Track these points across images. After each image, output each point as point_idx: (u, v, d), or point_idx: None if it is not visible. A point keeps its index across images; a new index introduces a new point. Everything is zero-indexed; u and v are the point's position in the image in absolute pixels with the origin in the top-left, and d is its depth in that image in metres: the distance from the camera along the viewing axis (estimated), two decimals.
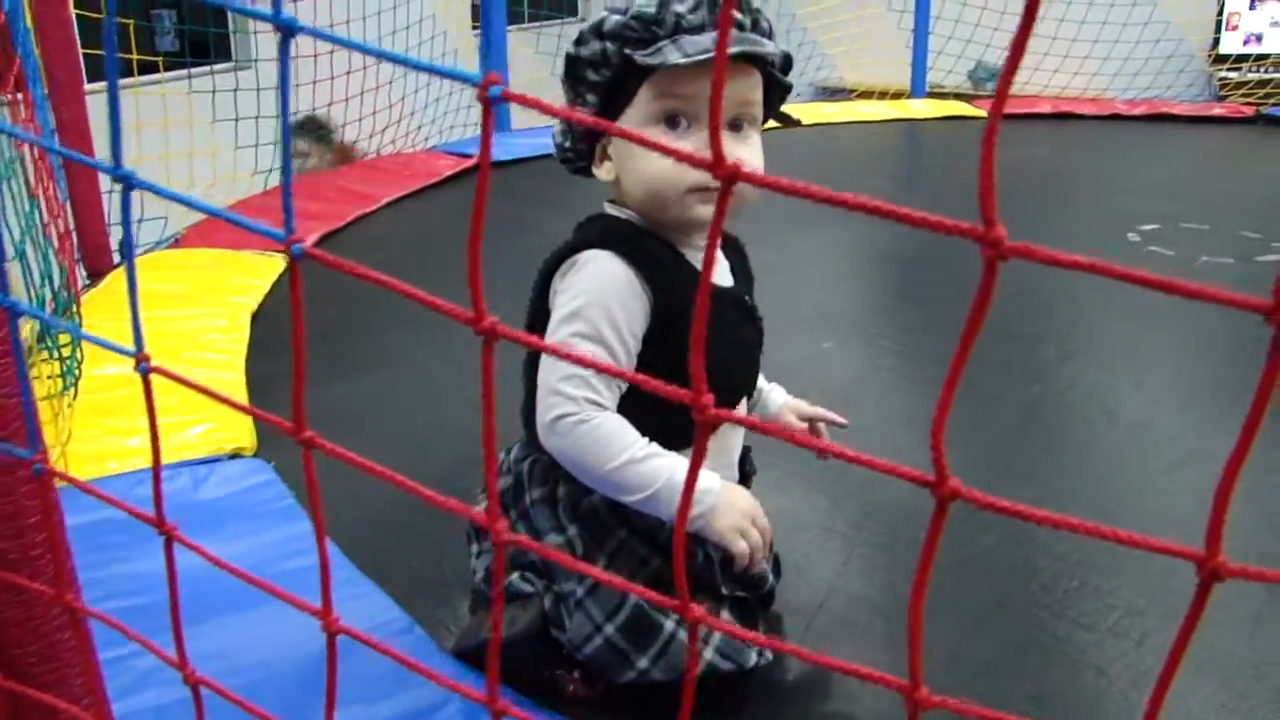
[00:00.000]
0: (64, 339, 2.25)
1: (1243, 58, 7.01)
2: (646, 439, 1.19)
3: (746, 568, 1.22)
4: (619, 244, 1.23)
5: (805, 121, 5.39)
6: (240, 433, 2.05)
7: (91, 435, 2.01)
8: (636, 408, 1.20)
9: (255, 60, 4.82)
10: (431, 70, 0.59)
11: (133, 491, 1.81)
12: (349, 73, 4.39)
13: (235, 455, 2.01)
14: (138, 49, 4.00)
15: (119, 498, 1.86)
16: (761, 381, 1.47)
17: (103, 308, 2.62)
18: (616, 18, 1.21)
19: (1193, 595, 0.52)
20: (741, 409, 1.35)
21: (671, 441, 1.21)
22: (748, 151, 1.23)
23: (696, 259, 1.27)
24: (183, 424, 2.06)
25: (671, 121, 1.21)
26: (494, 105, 0.57)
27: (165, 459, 1.92)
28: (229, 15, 5.39)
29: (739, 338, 1.33)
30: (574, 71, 1.24)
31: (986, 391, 2.27)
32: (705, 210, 1.21)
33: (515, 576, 1.30)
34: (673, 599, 1.22)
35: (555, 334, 1.20)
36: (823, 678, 1.42)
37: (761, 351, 1.41)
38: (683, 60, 1.15)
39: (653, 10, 1.19)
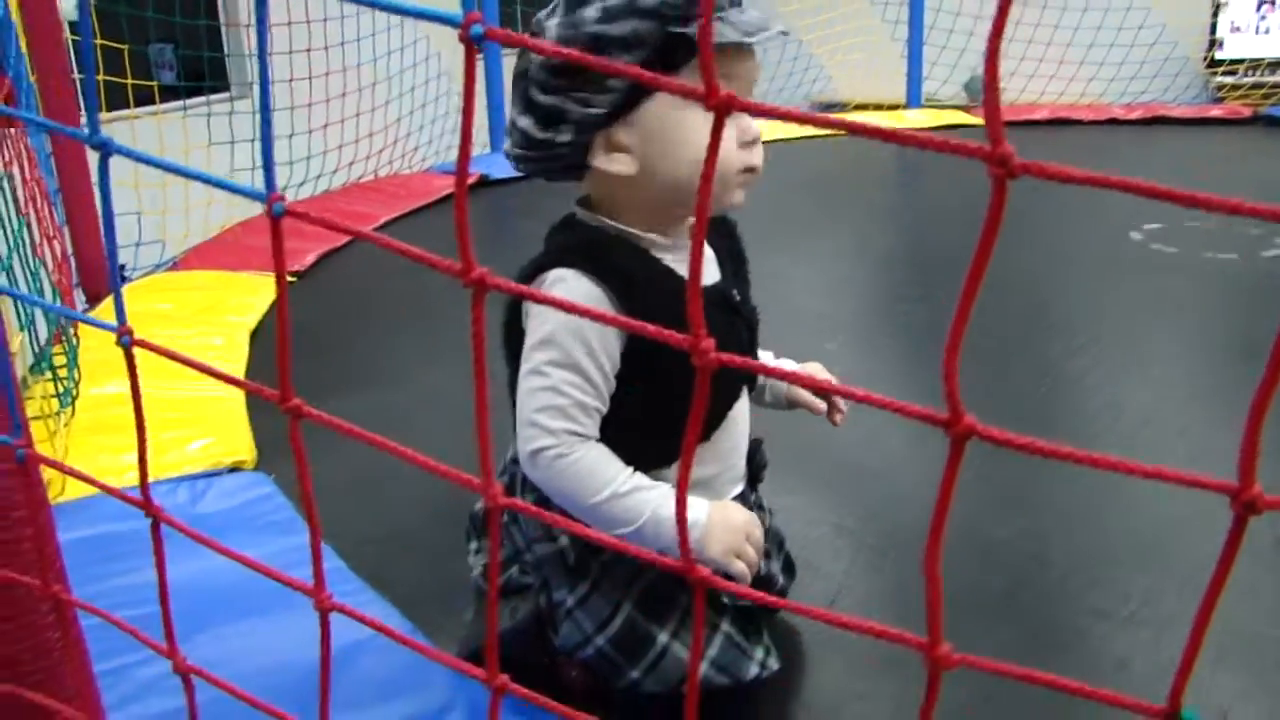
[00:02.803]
0: (60, 360, 2.23)
1: (1238, 61, 7.00)
2: (631, 469, 1.14)
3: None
4: (587, 260, 1.15)
5: (801, 135, 5.41)
6: (240, 447, 2.03)
7: (88, 452, 1.98)
8: (618, 429, 1.15)
9: (252, 83, 4.82)
10: (407, 12, 0.56)
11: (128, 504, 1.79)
12: (344, 95, 4.39)
13: (235, 469, 1.98)
14: (134, 78, 4.00)
15: (113, 511, 1.83)
16: (769, 359, 1.41)
17: (100, 330, 2.60)
18: None
19: (1228, 532, 0.50)
20: (740, 408, 1.29)
21: (657, 460, 1.17)
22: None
23: (675, 259, 1.20)
24: (182, 439, 2.04)
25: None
26: (477, 46, 0.55)
27: (164, 473, 1.92)
28: (223, 40, 5.39)
29: (728, 339, 1.20)
30: (602, 52, 1.08)
31: (995, 389, 2.24)
32: (742, 195, 1.17)
33: (515, 570, 1.27)
34: (669, 611, 1.20)
35: (529, 360, 1.14)
36: (826, 687, 1.38)
37: (756, 344, 1.32)
38: (743, 39, 1.08)
39: None
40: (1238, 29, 7.01)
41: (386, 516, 1.86)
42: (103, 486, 0.73)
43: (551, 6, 1.16)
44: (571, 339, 1.12)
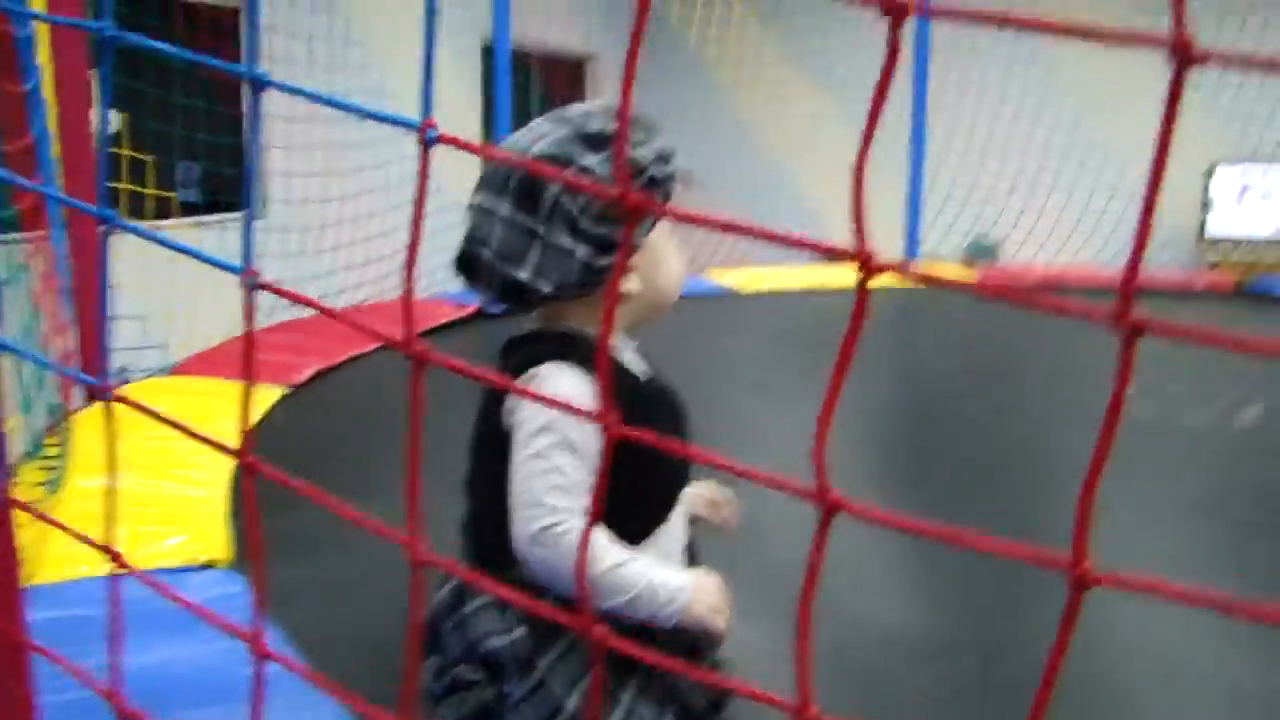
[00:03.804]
0: (53, 449, 2.29)
1: (1224, 239, 7.21)
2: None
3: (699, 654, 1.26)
4: (573, 355, 1.27)
5: (798, 286, 5.52)
6: (215, 546, 2.07)
7: (69, 539, 2.02)
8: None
9: (268, 202, 4.99)
10: (375, 117, 0.65)
11: (106, 594, 1.82)
12: (356, 219, 4.54)
13: (208, 566, 2.02)
14: (160, 190, 4.17)
15: (93, 599, 1.86)
16: None
17: (96, 427, 2.67)
18: (663, 144, 1.30)
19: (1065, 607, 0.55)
20: (681, 507, 1.38)
21: (630, 538, 1.26)
22: None
23: (626, 356, 1.37)
24: (159, 534, 2.08)
25: (672, 229, 1.37)
26: (429, 148, 0.63)
27: (136, 566, 1.96)
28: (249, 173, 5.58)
29: (674, 422, 1.38)
30: (653, 193, 1.28)
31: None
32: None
33: (463, 668, 1.30)
34: (609, 705, 1.24)
35: (528, 446, 1.22)
36: None
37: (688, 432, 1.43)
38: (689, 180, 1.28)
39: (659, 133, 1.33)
40: (1223, 206, 7.24)
41: (355, 619, 1.89)
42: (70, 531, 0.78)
43: (559, 145, 1.27)
44: (568, 424, 1.22)
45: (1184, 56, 0.47)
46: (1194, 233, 7.28)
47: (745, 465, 0.58)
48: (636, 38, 0.58)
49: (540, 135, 1.28)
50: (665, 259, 1.34)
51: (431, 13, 0.65)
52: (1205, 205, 7.21)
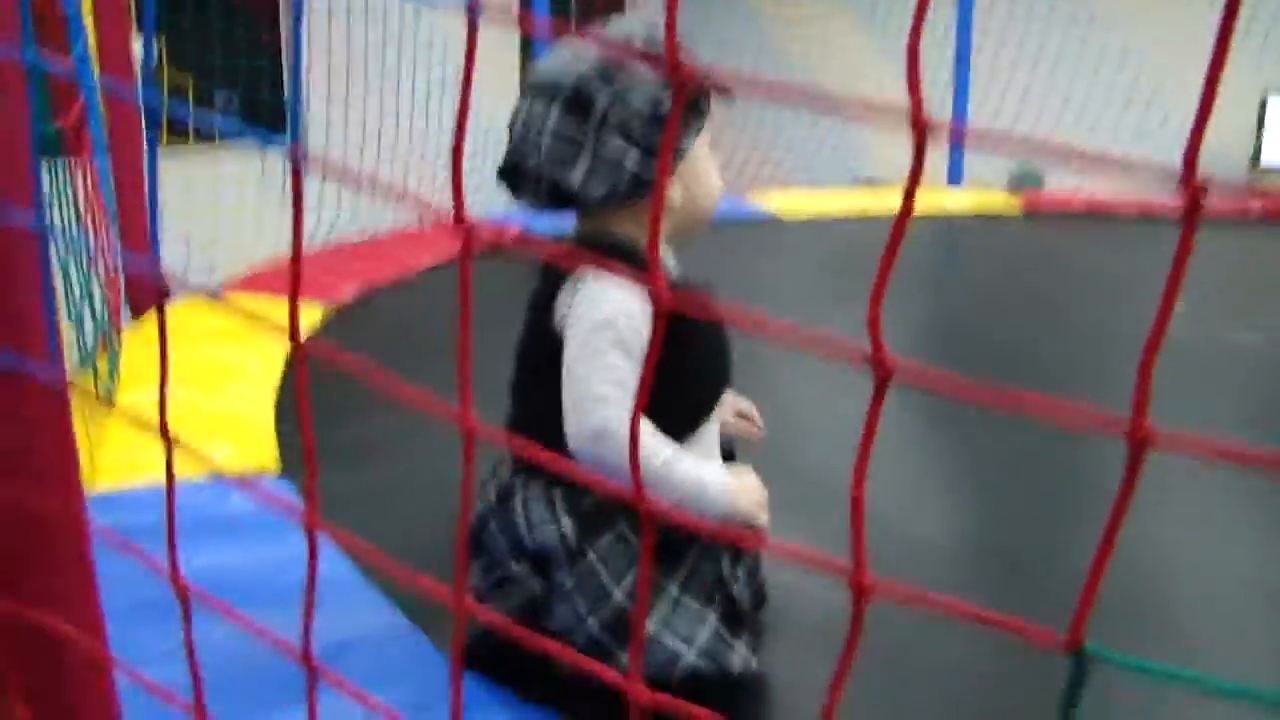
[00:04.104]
0: (102, 362, 2.33)
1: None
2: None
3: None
4: (628, 259, 1.31)
5: (840, 211, 5.49)
6: (263, 455, 2.10)
7: (122, 448, 2.06)
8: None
9: (308, 128, 5.00)
10: None
11: (161, 500, 1.86)
12: (395, 144, 4.53)
13: (259, 475, 2.05)
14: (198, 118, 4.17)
15: (144, 506, 1.91)
16: None
17: (146, 342, 2.71)
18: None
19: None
20: (727, 399, 1.48)
21: (673, 437, 1.33)
22: None
23: (668, 263, 1.45)
24: (209, 445, 2.11)
25: (711, 144, 1.43)
26: (475, 18, 0.62)
27: (188, 473, 2.00)
28: (283, 86, 5.58)
29: (718, 345, 1.42)
30: (695, 103, 1.34)
31: (1025, 451, 2.28)
32: None
33: (512, 564, 1.33)
34: (656, 596, 1.26)
35: (586, 342, 1.26)
36: (808, 687, 1.41)
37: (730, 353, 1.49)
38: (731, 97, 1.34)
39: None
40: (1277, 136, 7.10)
41: (402, 528, 1.92)
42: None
43: (604, 64, 1.31)
44: (627, 324, 1.27)
45: None
46: (1247, 161, 7.13)
47: (794, 347, 0.58)
48: None
49: (585, 49, 1.31)
50: (705, 173, 1.40)
51: None
52: (1260, 134, 7.05)
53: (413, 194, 0.70)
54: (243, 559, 1.74)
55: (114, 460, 2.02)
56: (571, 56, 1.33)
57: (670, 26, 0.61)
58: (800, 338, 0.57)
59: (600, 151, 1.29)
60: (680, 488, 1.26)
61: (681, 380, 1.26)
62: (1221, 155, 7.04)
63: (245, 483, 1.99)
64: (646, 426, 1.25)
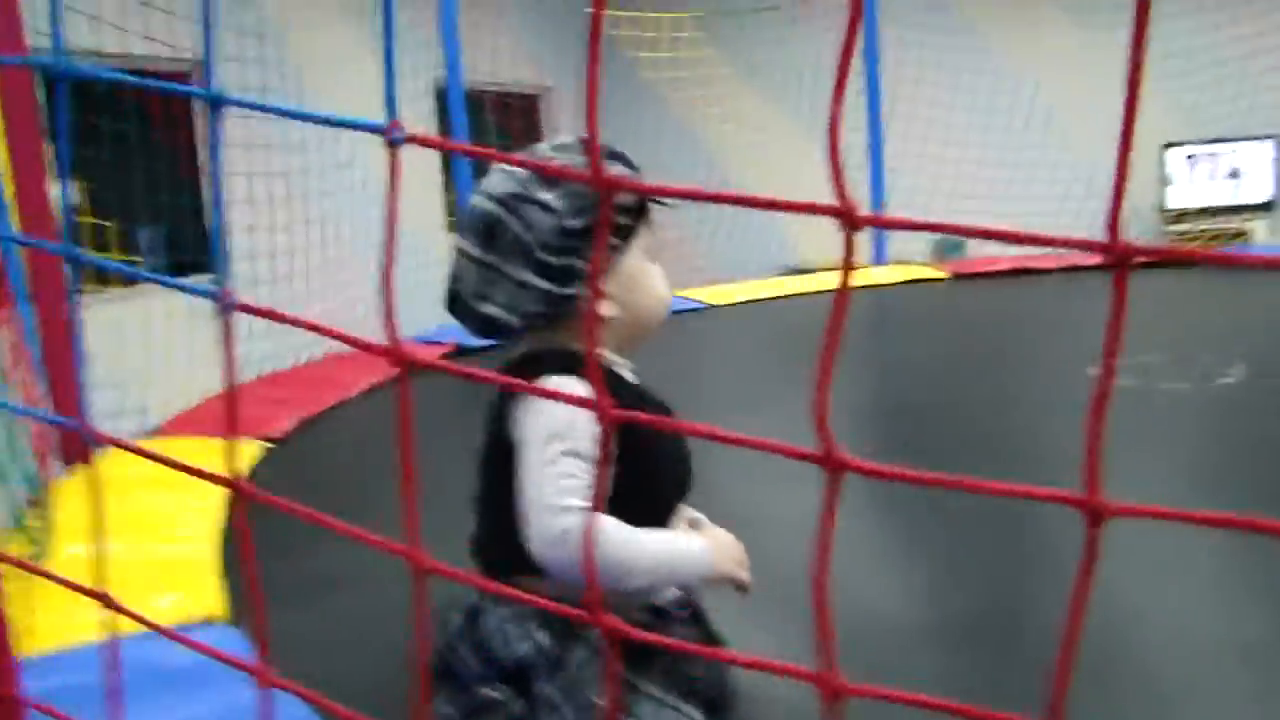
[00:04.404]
0: (35, 521, 2.26)
1: (1186, 212, 7.35)
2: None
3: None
4: (577, 371, 1.30)
5: (768, 295, 5.56)
6: (210, 602, 2.04)
7: (58, 607, 1.99)
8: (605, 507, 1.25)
9: (231, 258, 4.96)
10: (337, 123, 0.64)
11: (101, 660, 1.79)
12: (323, 267, 4.52)
13: (206, 623, 1.99)
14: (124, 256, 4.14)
15: (84, 667, 1.83)
16: None
17: (76, 494, 2.64)
18: (623, 168, 1.35)
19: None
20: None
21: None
22: None
23: (625, 373, 1.42)
24: (152, 595, 2.05)
25: (652, 255, 1.41)
26: (396, 148, 0.62)
27: (131, 629, 1.93)
28: (210, 233, 5.57)
29: (678, 452, 1.41)
30: (613, 219, 1.32)
31: (954, 514, 2.28)
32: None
33: (482, 688, 1.29)
34: (636, 697, 1.24)
35: (540, 452, 1.26)
36: None
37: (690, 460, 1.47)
38: (671, 203, 1.31)
39: (629, 162, 1.37)
40: (1179, 182, 7.41)
41: (362, 662, 1.87)
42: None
43: (518, 184, 1.33)
44: (581, 433, 1.26)
45: None
46: (1155, 207, 7.39)
47: (742, 457, 0.58)
48: (594, 57, 0.57)
49: (506, 175, 1.34)
50: (643, 282, 1.39)
51: (389, 16, 0.65)
52: (1163, 180, 7.32)
53: (339, 329, 0.68)
54: (197, 713, 1.68)
55: (53, 620, 1.95)
56: (489, 185, 1.36)
57: (593, 138, 0.61)
58: (754, 442, 0.57)
59: (512, 279, 1.32)
60: (657, 560, 1.26)
61: (644, 479, 1.28)
62: (1131, 204, 7.29)
63: (189, 633, 1.93)
64: (608, 521, 1.24)
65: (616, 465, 1.25)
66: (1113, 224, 0.50)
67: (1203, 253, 0.54)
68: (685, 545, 1.30)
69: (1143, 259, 0.52)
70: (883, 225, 0.55)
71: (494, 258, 1.33)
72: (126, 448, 0.82)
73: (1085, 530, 0.53)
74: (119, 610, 0.84)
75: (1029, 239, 0.54)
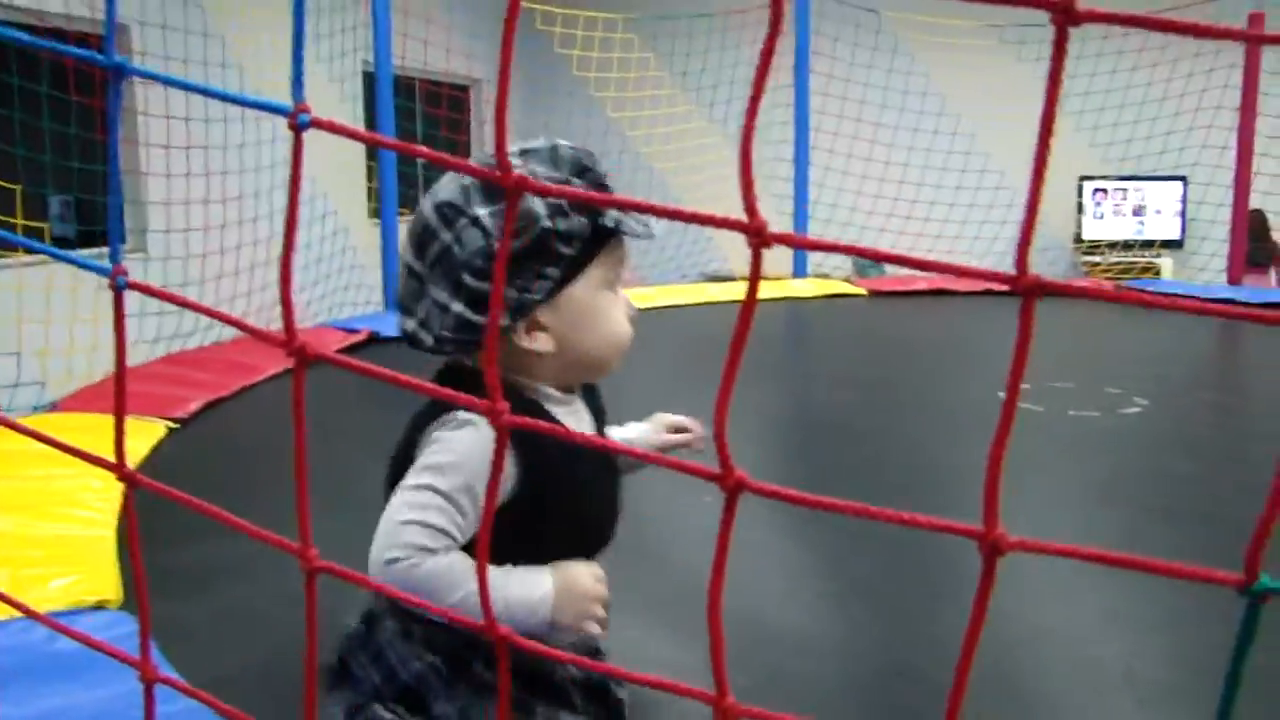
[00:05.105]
0: None
1: (1098, 243, 7.56)
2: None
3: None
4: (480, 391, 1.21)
5: (691, 301, 5.60)
6: (105, 586, 1.98)
7: None
8: (496, 553, 1.19)
9: (147, 231, 4.84)
10: (242, 102, 0.62)
11: None
12: (239, 247, 4.43)
13: (99, 607, 1.93)
14: (28, 225, 4.01)
15: None
16: (619, 432, 1.49)
17: None
18: (584, 190, 1.21)
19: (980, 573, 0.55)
20: (658, 417, 1.48)
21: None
22: None
23: (566, 413, 1.31)
24: (45, 576, 1.98)
25: (611, 286, 1.28)
26: (302, 132, 0.60)
27: (18, 609, 1.86)
28: (122, 198, 5.42)
29: (605, 491, 1.33)
30: (544, 247, 1.19)
31: (862, 536, 2.30)
32: (619, 363, 1.31)
33: (377, 708, 1.25)
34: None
35: (415, 475, 1.19)
36: None
37: (621, 496, 1.39)
38: (641, 232, 1.24)
39: (598, 180, 1.24)
40: (1094, 215, 7.62)
41: (254, 652, 1.82)
42: None
43: (460, 193, 1.22)
44: (461, 479, 1.18)
45: (1065, 17, 0.48)
46: (1071, 238, 7.58)
47: (652, 464, 0.57)
48: (507, 52, 0.56)
49: (453, 181, 1.24)
50: (590, 319, 1.26)
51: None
52: (1080, 211, 7.51)
53: (237, 316, 0.66)
54: (81, 699, 1.62)
55: None
56: (436, 189, 1.25)
57: (500, 132, 0.60)
58: (655, 459, 0.56)
59: (435, 299, 1.22)
60: (495, 607, 1.15)
61: (547, 533, 1.22)
62: (1049, 233, 7.47)
63: (81, 618, 1.87)
64: (452, 558, 1.17)
65: (520, 519, 1.19)
66: (1021, 257, 0.51)
67: (1111, 292, 0.54)
68: (521, 597, 1.18)
69: (779, 243, 0.53)
70: (792, 244, 0.54)
71: (423, 269, 1.23)
72: (10, 426, 0.78)
73: (983, 562, 0.54)
74: (7, 601, 0.80)
75: (940, 268, 0.54)
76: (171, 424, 3.25)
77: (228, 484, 2.77)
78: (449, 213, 1.22)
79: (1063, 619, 1.97)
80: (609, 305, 1.27)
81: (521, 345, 1.24)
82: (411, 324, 1.25)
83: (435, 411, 1.23)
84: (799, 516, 2.49)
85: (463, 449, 1.18)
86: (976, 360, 4.36)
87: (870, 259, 0.56)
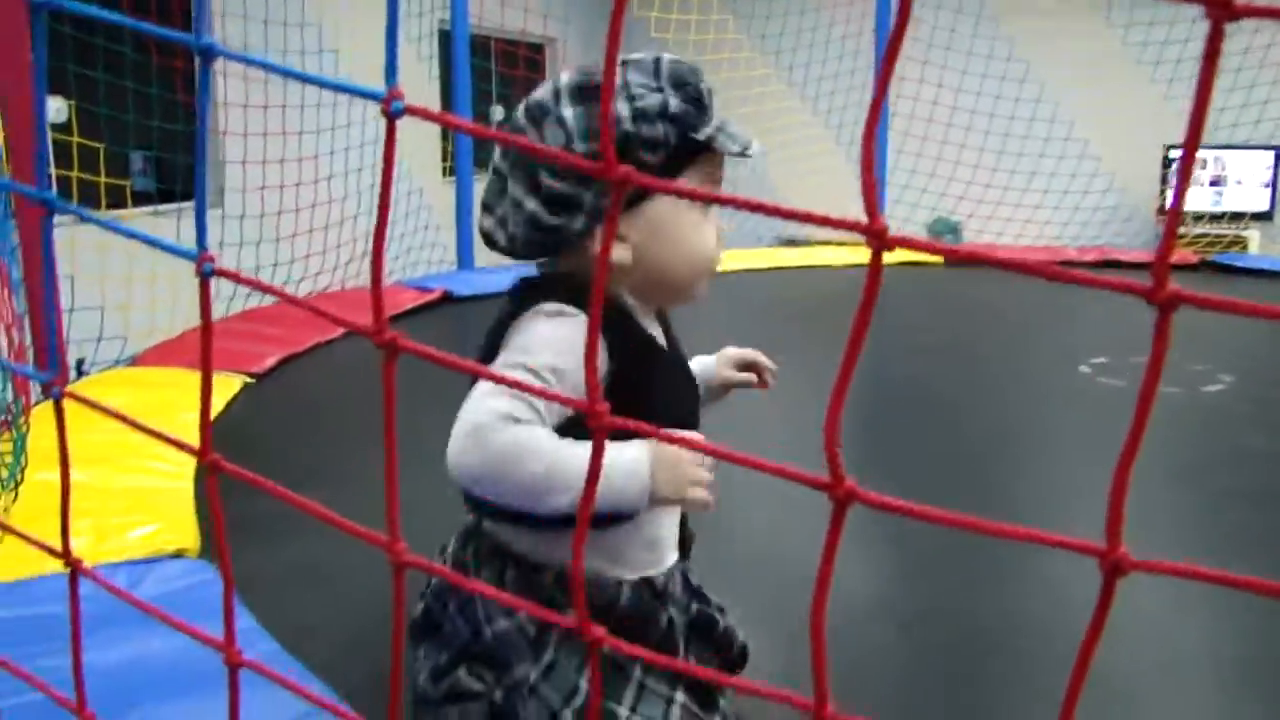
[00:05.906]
0: (6, 446, 2.22)
1: (1183, 216, 7.32)
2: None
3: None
4: (581, 302, 1.18)
5: (766, 265, 5.56)
6: (184, 535, 2.02)
7: (36, 532, 1.96)
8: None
9: (223, 190, 4.90)
10: (336, 87, 0.60)
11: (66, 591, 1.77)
12: (314, 205, 4.47)
13: (178, 555, 1.97)
14: (112, 179, 4.07)
15: (58, 596, 1.82)
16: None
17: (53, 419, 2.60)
18: (676, 100, 1.18)
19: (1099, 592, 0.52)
20: (729, 352, 1.45)
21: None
22: None
23: (648, 324, 1.28)
24: (125, 525, 2.03)
25: (700, 204, 1.23)
26: (395, 120, 0.58)
27: (103, 560, 1.90)
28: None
29: (682, 397, 1.31)
30: (625, 152, 1.14)
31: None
32: (705, 285, 1.27)
33: (462, 672, 1.24)
34: (621, 681, 1.20)
35: (504, 355, 1.16)
36: None
37: (700, 409, 1.37)
38: (736, 150, 1.20)
39: (694, 94, 1.20)
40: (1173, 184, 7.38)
41: (334, 611, 1.85)
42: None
43: (551, 93, 1.21)
44: (548, 361, 1.14)
45: (1224, 13, 0.45)
46: (1155, 210, 7.36)
47: (751, 453, 0.55)
48: (613, 45, 0.53)
49: (552, 82, 1.23)
50: (671, 232, 1.21)
51: None
52: (1165, 183, 7.29)
53: (321, 304, 0.65)
54: (161, 646, 1.65)
55: (21, 549, 1.92)
56: (536, 90, 1.23)
57: (604, 134, 0.58)
58: (763, 465, 0.54)
59: (513, 195, 1.20)
60: (572, 487, 1.07)
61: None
62: (1131, 203, 7.28)
63: (158, 566, 1.91)
64: (536, 429, 1.10)
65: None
66: (1160, 267, 0.48)
67: (1248, 306, 0.51)
68: (613, 459, 1.09)
69: (901, 247, 0.50)
70: (914, 248, 0.52)
71: (505, 167, 1.21)
72: (90, 405, 0.78)
73: (1102, 581, 0.51)
74: (81, 571, 0.81)
75: (1070, 278, 0.51)
76: (248, 378, 3.30)
77: (304, 439, 2.81)
78: (536, 112, 1.21)
79: (1149, 611, 1.92)
80: (694, 223, 1.22)
81: (597, 254, 1.20)
82: (489, 221, 1.24)
83: (525, 305, 1.20)
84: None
85: (556, 335, 1.16)
86: (1055, 331, 4.28)
87: (994, 264, 0.53)
